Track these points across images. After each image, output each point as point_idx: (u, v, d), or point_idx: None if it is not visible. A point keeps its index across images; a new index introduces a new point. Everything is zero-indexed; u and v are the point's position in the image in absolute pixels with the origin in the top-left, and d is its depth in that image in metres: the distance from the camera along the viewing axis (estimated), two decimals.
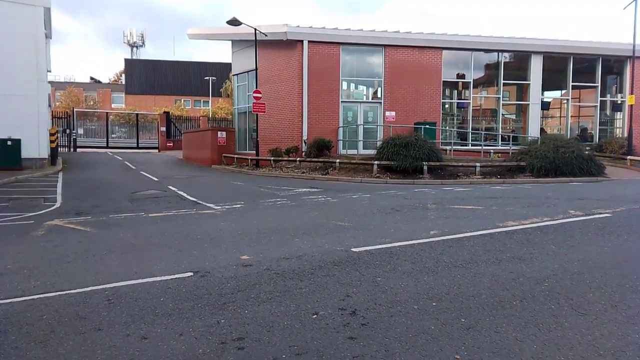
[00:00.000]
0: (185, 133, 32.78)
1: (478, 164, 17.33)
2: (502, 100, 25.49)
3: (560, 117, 27.92)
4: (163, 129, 37.87)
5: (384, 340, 3.54)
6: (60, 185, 15.08)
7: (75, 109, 40.63)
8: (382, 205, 10.23)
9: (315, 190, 13.72)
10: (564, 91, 26.63)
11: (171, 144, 37.25)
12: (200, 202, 11.45)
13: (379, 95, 23.46)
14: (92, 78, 78.75)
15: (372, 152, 19.12)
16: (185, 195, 12.81)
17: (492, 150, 22.64)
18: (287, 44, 22.56)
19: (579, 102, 27.20)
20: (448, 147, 21.54)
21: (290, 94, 22.71)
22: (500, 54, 24.67)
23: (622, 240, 6.70)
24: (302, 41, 21.93)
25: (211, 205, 10.85)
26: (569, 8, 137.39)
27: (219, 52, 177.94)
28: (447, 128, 24.64)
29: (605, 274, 5.13)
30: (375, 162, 17.43)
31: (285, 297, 4.47)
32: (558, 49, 24.64)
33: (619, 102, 26.62)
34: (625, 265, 5.49)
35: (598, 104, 26.11)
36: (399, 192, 12.82)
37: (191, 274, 5.28)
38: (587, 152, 18.00)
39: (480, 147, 22.60)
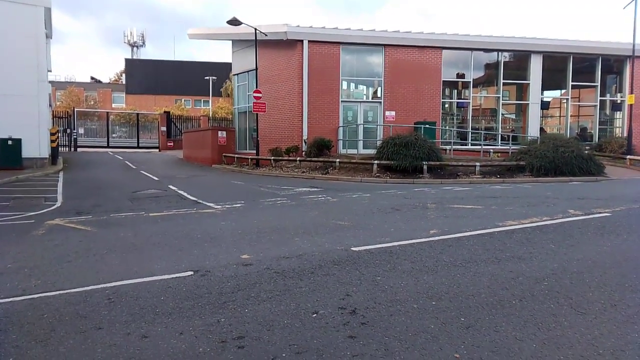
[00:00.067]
0: (185, 133, 32.78)
1: (478, 164, 17.33)
2: (502, 100, 25.49)
3: (560, 116, 27.92)
4: (163, 128, 37.87)
5: (383, 339, 3.55)
6: (60, 185, 15.09)
7: (75, 109, 40.62)
8: (382, 205, 10.24)
9: (315, 189, 13.73)
10: (563, 91, 26.64)
11: (172, 144, 37.26)
12: (201, 201, 11.46)
13: (378, 95, 23.47)
14: (92, 78, 78.80)
15: (372, 151, 19.12)
16: (185, 194, 12.82)
17: (491, 150, 22.65)
18: (287, 44, 22.57)
19: (579, 101, 27.20)
20: (448, 147, 21.55)
21: (291, 94, 22.72)
22: (500, 53, 24.68)
23: (622, 239, 6.71)
24: (302, 41, 21.95)
25: (211, 204, 10.86)
26: (569, 8, 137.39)
27: (220, 52, 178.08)
28: (447, 128, 24.65)
29: (605, 273, 5.14)
30: (375, 162, 17.44)
31: (285, 296, 4.48)
32: (558, 48, 24.65)
33: (619, 101, 26.63)
34: (625, 264, 5.50)
35: (598, 104, 26.12)
36: (398, 192, 12.83)
37: (191, 273, 5.29)
38: (586, 152, 18.01)
39: (480, 147, 22.62)
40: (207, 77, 54.96)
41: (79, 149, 34.06)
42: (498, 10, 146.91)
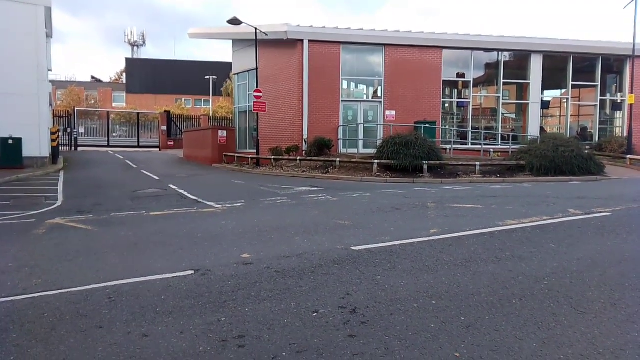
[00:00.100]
0: (186, 132, 32.79)
1: (478, 163, 17.34)
2: (502, 100, 25.49)
3: (560, 116, 27.93)
4: (164, 128, 37.88)
5: (383, 338, 3.56)
6: (61, 184, 15.09)
7: (76, 108, 40.62)
8: (382, 204, 10.25)
9: (316, 189, 13.73)
10: (563, 90, 26.64)
11: (172, 143, 37.26)
12: (201, 200, 11.47)
13: (379, 95, 23.47)
14: (93, 77, 78.93)
15: (372, 151, 19.13)
16: (186, 193, 12.82)
17: (492, 150, 22.65)
18: (287, 43, 22.57)
19: (579, 101, 27.20)
20: (448, 146, 21.55)
21: (291, 93, 22.73)
22: (500, 53, 24.67)
23: (622, 239, 6.72)
24: (302, 40, 21.95)
25: (212, 203, 10.87)
26: (569, 7, 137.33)
27: (220, 52, 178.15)
28: (447, 127, 24.65)
29: (605, 272, 5.15)
30: (376, 161, 17.45)
31: (285, 296, 4.49)
32: (558, 48, 24.65)
33: (619, 101, 26.64)
34: (625, 263, 5.51)
35: (598, 103, 26.12)
36: (399, 191, 12.83)
37: (192, 272, 5.29)
38: (586, 151, 18.02)
39: (480, 146, 22.62)
40: (207, 77, 55.00)
41: (79, 148, 34.07)
42: (498, 10, 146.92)
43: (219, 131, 25.25)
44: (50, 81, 24.16)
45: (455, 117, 25.85)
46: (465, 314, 4.01)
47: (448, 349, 3.37)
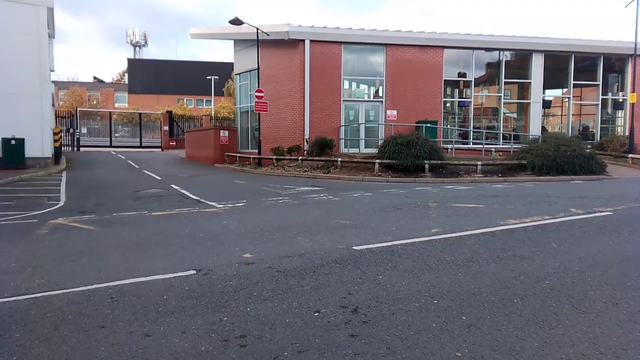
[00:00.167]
0: (187, 132, 32.82)
1: (479, 163, 17.33)
2: (504, 99, 25.47)
3: (561, 115, 27.89)
4: (166, 128, 37.94)
5: (385, 337, 3.56)
6: (64, 184, 15.12)
7: (78, 109, 40.76)
8: (384, 204, 10.25)
9: (317, 188, 13.74)
10: (565, 89, 26.60)
11: (174, 143, 37.32)
12: (203, 200, 11.49)
13: (380, 94, 23.46)
14: (95, 78, 79.06)
15: (373, 150, 19.12)
16: (188, 193, 12.84)
17: (493, 149, 22.63)
18: (289, 44, 22.58)
19: (581, 100, 27.17)
20: (449, 146, 21.55)
21: (292, 93, 22.74)
22: (501, 52, 24.64)
23: (623, 238, 6.71)
24: (303, 40, 21.96)
25: (214, 203, 10.88)
26: (571, 6, 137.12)
27: (222, 52, 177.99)
28: (448, 127, 24.63)
29: (606, 272, 5.15)
30: (377, 161, 17.45)
31: (287, 295, 4.50)
32: (559, 47, 24.61)
33: (621, 100, 26.57)
34: (627, 263, 5.51)
35: (599, 102, 26.08)
36: (400, 191, 12.83)
37: (194, 272, 5.31)
38: (588, 151, 17.99)
39: (481, 146, 22.60)
40: (209, 77, 55.02)
41: (81, 149, 34.13)
42: (499, 9, 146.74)
43: (221, 131, 25.27)
44: (53, 81, 24.24)
45: (456, 117, 25.83)
46: (467, 313, 4.01)
47: (449, 349, 3.38)
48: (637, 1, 21.06)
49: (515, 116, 27.38)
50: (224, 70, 54.99)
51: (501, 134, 24.70)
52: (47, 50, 20.36)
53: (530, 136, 22.97)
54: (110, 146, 37.50)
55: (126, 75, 75.72)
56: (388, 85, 23.01)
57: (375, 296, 4.44)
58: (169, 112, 39.59)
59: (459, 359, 3.24)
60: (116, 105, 67.94)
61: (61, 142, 24.26)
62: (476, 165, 17.22)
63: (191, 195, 12.45)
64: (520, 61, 25.26)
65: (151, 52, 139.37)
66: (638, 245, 6.38)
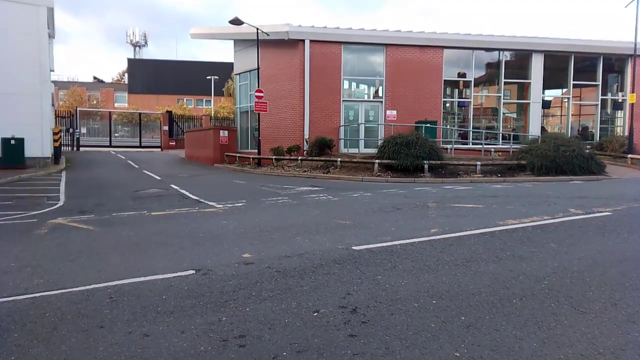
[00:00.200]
0: (187, 132, 32.82)
1: (479, 163, 17.33)
2: (503, 99, 25.47)
3: (561, 115, 27.89)
4: (166, 128, 37.94)
5: (384, 337, 3.57)
6: (63, 184, 15.12)
7: (78, 108, 40.77)
8: (383, 204, 10.25)
9: (317, 188, 13.75)
10: (564, 90, 26.60)
11: (174, 143, 37.31)
12: (203, 200, 11.49)
13: (380, 94, 23.47)
14: (95, 77, 79.06)
15: (373, 150, 19.12)
16: (187, 193, 12.84)
17: (492, 149, 22.63)
18: (288, 44, 22.58)
19: (580, 100, 27.16)
20: (449, 146, 21.55)
21: (292, 93, 22.74)
22: (501, 52, 24.65)
23: (622, 238, 6.72)
24: (303, 40, 21.96)
25: (213, 203, 10.89)
26: (570, 6, 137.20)
27: (222, 52, 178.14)
28: (448, 127, 24.64)
29: (605, 272, 5.15)
30: (377, 161, 17.45)
31: (286, 295, 4.50)
32: (559, 47, 24.62)
33: (620, 100, 26.58)
34: (626, 263, 5.51)
35: (599, 103, 26.08)
36: (399, 191, 12.84)
37: (193, 272, 5.31)
38: (587, 151, 18.00)
39: (481, 146, 22.61)
40: (209, 77, 55.02)
41: (81, 149, 34.13)
42: (499, 9, 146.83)
43: (221, 131, 25.27)
44: (53, 81, 24.24)
45: (456, 117, 25.83)
46: (466, 313, 4.02)
47: (448, 349, 3.38)
48: (637, 1, 21.08)
49: (515, 116, 27.39)
50: (224, 70, 55.01)
51: (501, 134, 24.71)
52: (47, 50, 20.36)
53: (530, 136, 22.96)
54: (110, 146, 37.51)
55: (126, 75, 75.74)
56: (388, 86, 23.02)
57: (374, 296, 4.44)
58: (169, 112, 39.59)
59: (457, 359, 3.24)
60: (116, 105, 67.94)
61: (61, 142, 24.25)
62: (475, 165, 17.23)
63: (191, 195, 12.46)
64: (520, 61, 25.27)
65: (151, 52, 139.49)
66: (637, 245, 6.39)
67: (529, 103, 25.17)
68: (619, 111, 26.97)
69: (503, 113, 25.80)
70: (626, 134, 23.38)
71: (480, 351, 3.34)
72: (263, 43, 22.64)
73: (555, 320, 3.87)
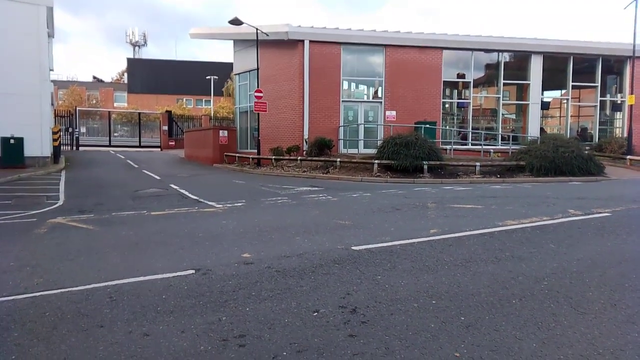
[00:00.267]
0: (187, 132, 32.82)
1: (478, 164, 17.35)
2: (502, 100, 25.50)
3: (560, 116, 27.94)
4: (165, 127, 37.91)
5: (384, 337, 3.57)
6: (62, 184, 15.11)
7: (77, 108, 40.74)
8: (383, 204, 10.26)
9: (316, 189, 13.75)
10: (563, 91, 26.64)
11: (173, 143, 37.30)
12: (202, 200, 11.49)
13: (379, 95, 23.48)
14: (94, 77, 79.06)
15: (372, 151, 19.14)
16: (187, 193, 12.84)
17: (492, 150, 22.65)
18: (288, 44, 22.59)
19: (579, 102, 27.21)
20: (448, 147, 21.56)
21: (292, 94, 22.75)
22: (500, 54, 24.68)
23: (621, 239, 6.73)
24: (303, 41, 21.97)
25: (213, 203, 10.88)
26: (569, 8, 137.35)
27: (221, 52, 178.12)
28: (447, 128, 24.66)
29: (605, 273, 5.16)
30: (376, 161, 17.46)
31: (286, 295, 4.50)
32: (558, 49, 24.65)
33: (619, 102, 26.63)
34: (625, 264, 5.52)
35: (598, 104, 26.12)
36: (399, 191, 12.84)
37: (193, 271, 5.31)
38: (586, 152, 18.02)
39: (480, 147, 22.62)
40: (208, 77, 55.01)
41: (81, 148, 34.10)
42: (498, 10, 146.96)
43: (220, 131, 25.26)
44: (52, 81, 24.22)
45: (455, 118, 25.86)
46: (465, 313, 4.02)
47: (448, 349, 3.38)
48: (636, 3, 21.12)
49: (514, 117, 27.43)
50: (224, 70, 54.99)
51: (500, 135, 24.74)
52: (47, 50, 20.35)
53: (529, 137, 22.97)
54: (110, 146, 37.49)
55: (125, 74, 75.72)
56: (387, 86, 23.03)
57: (374, 296, 4.45)
58: (168, 112, 39.57)
59: (457, 359, 3.25)
60: (115, 104, 67.92)
61: (60, 142, 24.23)
62: (475, 166, 17.24)
63: (190, 195, 12.45)
64: (519, 62, 25.31)
65: (151, 52, 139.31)
66: (636, 246, 6.40)
67: (528, 104, 25.20)
68: (618, 112, 27.02)
69: (502, 114, 25.83)
70: (625, 135, 23.43)
71: (479, 351, 3.35)
72: (262, 43, 22.65)
73: (555, 321, 3.87)
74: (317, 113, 22.39)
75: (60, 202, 11.44)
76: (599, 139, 25.48)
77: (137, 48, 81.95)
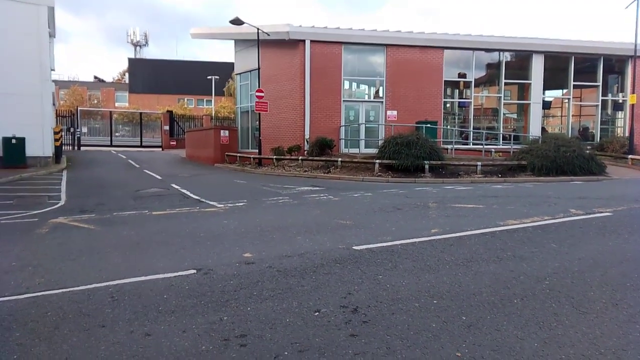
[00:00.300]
0: (188, 132, 32.85)
1: (479, 163, 17.34)
2: (504, 100, 25.47)
3: (561, 116, 27.90)
4: (166, 127, 37.96)
5: (385, 337, 3.57)
6: (64, 183, 15.13)
7: (79, 108, 40.82)
8: (384, 204, 10.25)
9: (317, 188, 13.75)
10: (565, 90, 26.60)
11: (174, 143, 37.34)
12: (203, 200, 11.49)
13: (380, 95, 23.47)
14: (95, 77, 79.12)
15: (373, 151, 19.14)
16: (188, 193, 12.85)
17: (493, 150, 22.62)
18: (289, 44, 22.59)
19: (580, 101, 27.18)
20: (449, 146, 21.53)
21: (293, 93, 22.75)
22: (501, 53, 24.66)
23: (623, 239, 6.72)
24: (304, 41, 21.97)
25: (214, 203, 10.89)
26: (571, 7, 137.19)
27: (222, 52, 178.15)
28: (448, 127, 24.64)
29: (606, 272, 5.16)
30: (377, 161, 17.46)
31: (287, 295, 4.51)
32: (559, 48, 24.63)
33: (620, 101, 26.60)
34: (626, 263, 5.51)
35: (599, 103, 26.09)
36: (400, 191, 12.84)
37: (194, 271, 5.31)
38: (588, 151, 18.01)
39: (481, 146, 22.57)
40: (209, 77, 55.06)
41: (82, 148, 34.15)
42: (499, 10, 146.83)
43: (221, 131, 25.27)
44: (53, 81, 24.25)
45: (456, 117, 25.84)
46: (467, 313, 4.02)
47: (449, 349, 3.38)
48: (637, 2, 21.07)
49: (515, 117, 27.39)
50: (225, 70, 55.04)
51: (501, 135, 24.70)
52: (48, 50, 20.36)
53: (530, 137, 22.97)
54: (111, 145, 37.54)
55: (127, 74, 75.76)
56: (388, 86, 23.02)
57: (375, 296, 4.45)
58: (170, 112, 39.63)
59: (458, 359, 3.25)
60: (117, 104, 68.02)
61: (62, 142, 24.25)
62: (476, 165, 17.23)
63: (191, 195, 12.46)
64: (520, 62, 25.28)
65: (152, 52, 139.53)
66: (638, 246, 6.39)
67: (529, 104, 25.18)
68: (620, 112, 26.99)
69: (503, 114, 25.81)
70: (626, 134, 23.38)
71: (481, 351, 3.34)
72: (264, 43, 22.65)
73: (557, 321, 3.87)
74: (318, 113, 22.39)
75: (62, 202, 11.46)
76: (600, 138, 25.46)
77: (138, 48, 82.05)
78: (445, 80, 23.68)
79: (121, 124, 55.41)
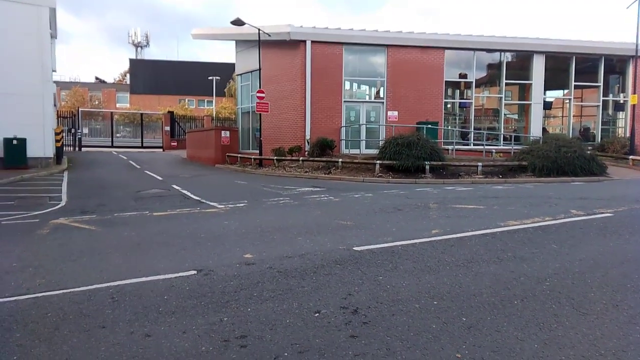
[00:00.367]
0: (189, 132, 32.87)
1: (480, 164, 17.33)
2: (504, 100, 25.45)
3: (562, 116, 27.87)
4: (167, 128, 37.99)
5: (385, 338, 3.57)
6: (65, 184, 15.14)
7: (80, 109, 40.85)
8: (384, 205, 10.25)
9: (318, 189, 13.75)
10: (566, 91, 26.60)
11: (175, 144, 37.37)
12: (204, 201, 11.50)
13: (381, 95, 23.47)
14: (97, 78, 79.21)
15: (374, 151, 19.15)
16: (189, 194, 12.85)
17: (494, 150, 22.61)
18: (290, 44, 22.60)
19: (581, 101, 27.18)
20: (450, 147, 21.53)
21: (294, 94, 22.76)
22: (502, 53, 24.65)
23: (624, 240, 6.71)
24: (305, 41, 21.99)
25: (215, 204, 10.90)
26: (572, 8, 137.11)
27: (223, 52, 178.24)
28: (449, 128, 24.63)
29: (607, 273, 5.15)
30: (378, 162, 17.46)
31: (287, 296, 4.51)
32: (560, 48, 24.62)
33: (622, 101, 26.57)
34: (627, 264, 5.51)
35: (600, 104, 26.06)
36: (401, 192, 12.84)
37: (195, 272, 5.32)
38: (589, 152, 17.98)
39: (482, 147, 22.56)
40: (210, 77, 55.06)
41: (83, 149, 34.18)
42: (499, 10, 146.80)
43: (222, 132, 25.28)
44: (55, 82, 24.27)
45: (457, 118, 25.83)
46: (467, 314, 4.02)
47: (449, 350, 3.38)
48: (638, 2, 21.06)
49: (516, 117, 27.38)
50: (226, 70, 55.03)
51: (502, 135, 24.70)
52: (49, 51, 20.38)
53: (531, 137, 22.95)
54: (112, 146, 37.57)
55: (128, 75, 75.84)
56: (389, 86, 23.03)
57: (375, 297, 4.45)
58: (171, 113, 39.65)
59: None
60: (118, 105, 68.08)
61: (63, 142, 24.27)
62: (477, 166, 17.22)
63: (192, 196, 12.47)
64: (521, 62, 25.27)
65: (153, 53, 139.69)
66: (639, 247, 6.38)
67: (530, 104, 25.17)
68: (621, 112, 26.97)
69: (504, 114, 25.80)
70: (628, 135, 23.37)
71: (481, 352, 3.34)
72: (264, 44, 22.66)
73: (557, 322, 3.87)
74: (319, 113, 22.40)
75: (63, 203, 11.47)
76: (601, 138, 25.43)
77: (139, 49, 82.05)
78: (446, 81, 23.68)
79: (122, 124, 55.49)
